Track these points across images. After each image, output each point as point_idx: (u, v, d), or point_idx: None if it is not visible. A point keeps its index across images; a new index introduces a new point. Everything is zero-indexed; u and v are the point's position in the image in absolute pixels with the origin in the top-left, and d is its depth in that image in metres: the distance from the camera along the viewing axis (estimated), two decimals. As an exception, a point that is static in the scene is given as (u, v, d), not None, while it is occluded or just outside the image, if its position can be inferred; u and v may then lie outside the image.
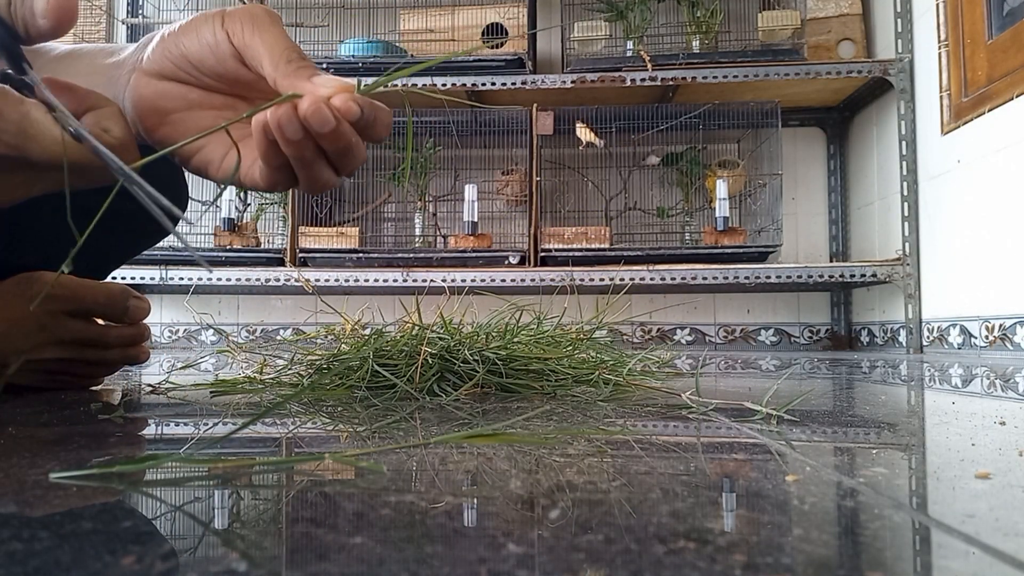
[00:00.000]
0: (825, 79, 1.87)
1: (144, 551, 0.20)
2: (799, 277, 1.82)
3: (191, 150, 0.48)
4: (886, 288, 1.91)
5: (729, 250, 1.86)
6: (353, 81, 0.43)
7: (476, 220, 1.91)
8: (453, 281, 1.82)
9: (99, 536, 0.21)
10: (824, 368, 1.18)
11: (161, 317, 2.26)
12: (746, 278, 1.81)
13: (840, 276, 1.82)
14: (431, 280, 1.81)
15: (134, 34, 2.27)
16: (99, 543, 0.20)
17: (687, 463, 0.33)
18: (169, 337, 2.26)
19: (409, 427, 0.43)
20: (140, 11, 2.28)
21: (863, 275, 1.81)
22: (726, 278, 1.81)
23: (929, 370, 1.12)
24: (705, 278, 1.81)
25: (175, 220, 0.40)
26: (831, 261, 2.16)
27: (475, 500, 0.26)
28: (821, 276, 1.82)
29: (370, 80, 0.43)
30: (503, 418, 0.47)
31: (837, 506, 0.25)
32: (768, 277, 1.81)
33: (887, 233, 1.91)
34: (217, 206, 2.05)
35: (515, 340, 0.68)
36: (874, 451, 0.36)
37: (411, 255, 1.90)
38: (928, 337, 1.74)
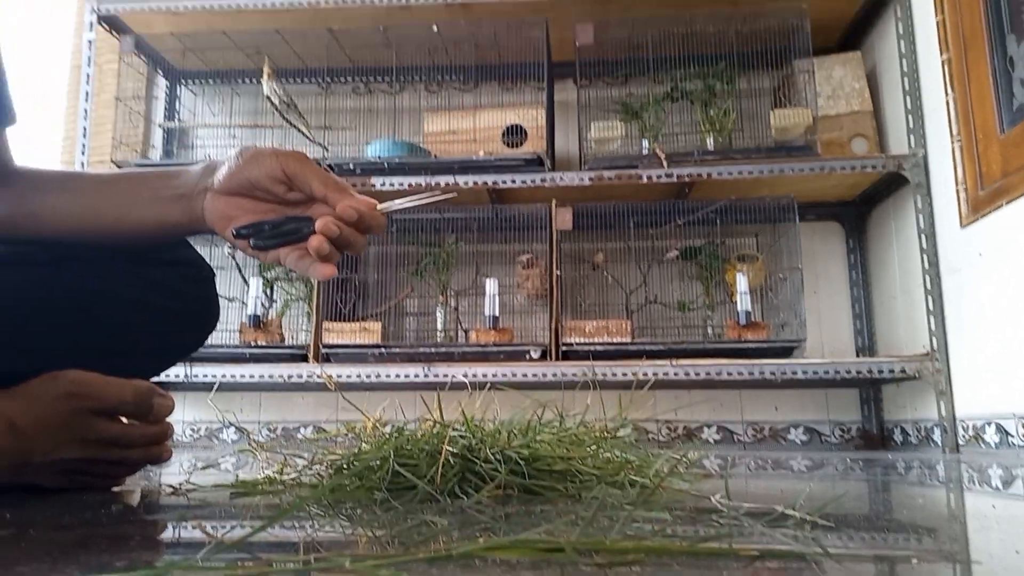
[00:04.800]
0: (840, 174, 1.89)
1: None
2: (826, 373, 1.78)
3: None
4: (916, 384, 1.87)
5: (753, 345, 1.85)
6: (374, 201, 0.66)
7: (497, 314, 1.92)
8: (474, 376, 1.81)
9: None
10: (857, 469, 1.15)
11: (184, 415, 2.26)
12: (771, 373, 1.78)
13: (868, 372, 1.79)
14: (452, 375, 1.80)
15: (169, 137, 2.37)
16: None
17: (719, 572, 0.31)
18: (191, 435, 2.25)
19: (430, 532, 0.42)
20: (176, 115, 2.40)
21: (891, 371, 1.77)
22: (751, 374, 1.78)
23: (967, 471, 1.08)
24: (730, 373, 1.78)
25: None
26: (857, 356, 2.13)
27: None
28: (848, 372, 1.79)
29: (392, 203, 0.70)
30: (526, 523, 0.46)
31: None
32: (794, 373, 1.78)
33: (913, 327, 1.89)
34: (244, 302, 2.08)
35: (537, 439, 0.67)
36: (914, 559, 0.35)
37: (432, 349, 1.91)
38: (964, 436, 1.68)
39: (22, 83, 2.44)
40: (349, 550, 0.38)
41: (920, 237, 1.82)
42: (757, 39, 2.06)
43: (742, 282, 1.88)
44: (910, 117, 1.87)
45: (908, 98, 1.88)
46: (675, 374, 1.78)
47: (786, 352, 1.85)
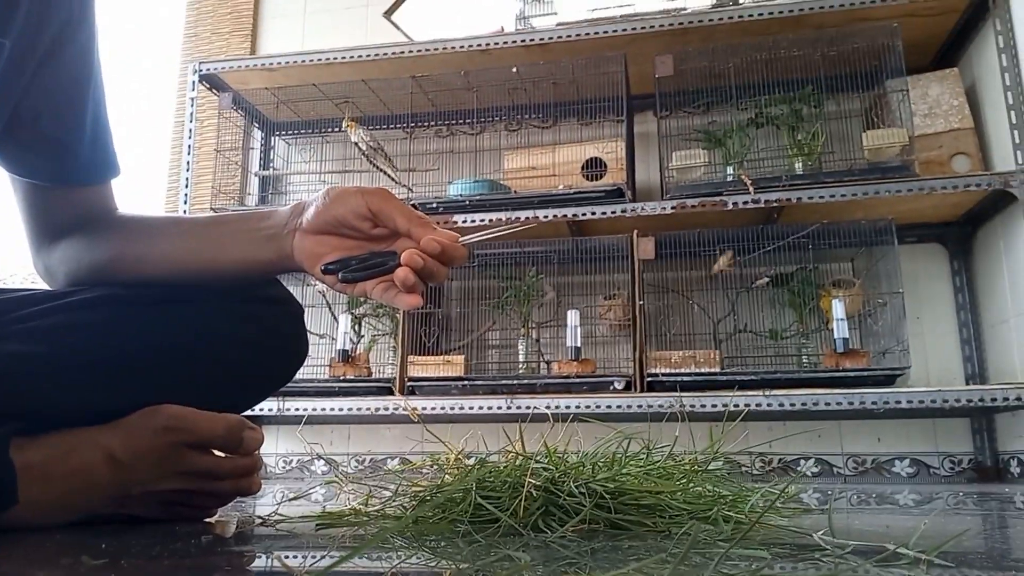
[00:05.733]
0: (941, 194, 1.79)
1: None
2: (933, 402, 1.67)
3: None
4: (1035, 412, 1.73)
5: (852, 373, 1.75)
6: (455, 234, 0.67)
7: (579, 345, 1.90)
8: (557, 408, 1.78)
9: None
10: (971, 503, 1.06)
11: (276, 447, 2.32)
12: (873, 403, 1.68)
13: (979, 400, 1.66)
14: (535, 407, 1.79)
15: (264, 184, 2.49)
16: None
17: (824, 616, 0.29)
18: (283, 467, 2.31)
19: (513, 568, 0.41)
20: (271, 164, 2.51)
21: (1005, 399, 1.65)
22: (851, 403, 1.69)
23: (1102, 507, 0.98)
24: (828, 404, 1.70)
25: None
26: (967, 383, 1.99)
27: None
28: (958, 401, 1.67)
29: (472, 236, 0.71)
30: (613, 559, 0.44)
31: None
32: (898, 402, 1.68)
33: (1030, 352, 1.75)
34: (333, 338, 2.13)
35: (623, 471, 0.65)
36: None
37: (515, 381, 1.90)
38: (1094, 468, 1.54)
39: (129, 138, 2.62)
40: (430, 584, 0.37)
41: (1033, 256, 1.69)
42: (845, 61, 1.99)
43: (838, 308, 1.80)
44: (1016, 132, 1.76)
45: (1012, 112, 1.78)
46: (768, 404, 1.71)
47: (888, 380, 1.75)
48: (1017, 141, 1.76)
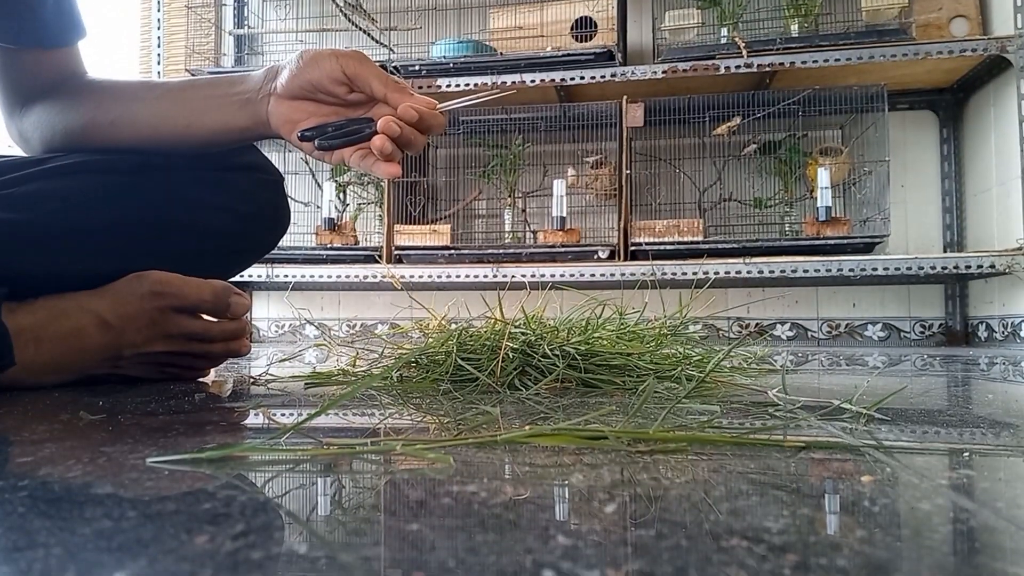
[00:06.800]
0: (936, 59, 1.75)
1: (217, 531, 0.21)
2: (908, 269, 1.72)
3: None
4: (1006, 280, 1.78)
5: (832, 241, 1.78)
6: (433, 100, 0.66)
7: (565, 215, 1.91)
8: (542, 276, 1.82)
9: (180, 516, 0.23)
10: (936, 365, 1.12)
11: (268, 312, 2.37)
12: (850, 270, 1.73)
13: (954, 268, 1.71)
14: (520, 275, 1.82)
15: (240, 43, 2.39)
16: (179, 523, 0.22)
17: (759, 461, 0.32)
18: (276, 331, 2.37)
19: (486, 420, 0.44)
20: (245, 22, 2.40)
21: (980, 266, 1.69)
22: (829, 270, 1.73)
23: (1053, 368, 1.04)
24: (806, 271, 1.74)
25: None
26: (944, 252, 2.03)
27: (529, 494, 0.26)
28: (933, 268, 1.71)
29: (451, 102, 0.69)
30: (580, 413, 0.47)
31: (910, 508, 0.24)
32: (875, 269, 1.72)
33: (1007, 221, 1.78)
34: (318, 206, 2.13)
35: (596, 335, 0.68)
36: (967, 452, 0.34)
37: (500, 251, 1.92)
38: (1056, 332, 1.61)
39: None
40: (408, 435, 0.40)
41: (1021, 126, 1.68)
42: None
43: (823, 177, 1.80)
44: (1019, -8, 1.70)
45: (1018, -30, 1.70)
46: (748, 272, 1.75)
47: (867, 248, 1.78)
48: (1018, 4, 1.70)
